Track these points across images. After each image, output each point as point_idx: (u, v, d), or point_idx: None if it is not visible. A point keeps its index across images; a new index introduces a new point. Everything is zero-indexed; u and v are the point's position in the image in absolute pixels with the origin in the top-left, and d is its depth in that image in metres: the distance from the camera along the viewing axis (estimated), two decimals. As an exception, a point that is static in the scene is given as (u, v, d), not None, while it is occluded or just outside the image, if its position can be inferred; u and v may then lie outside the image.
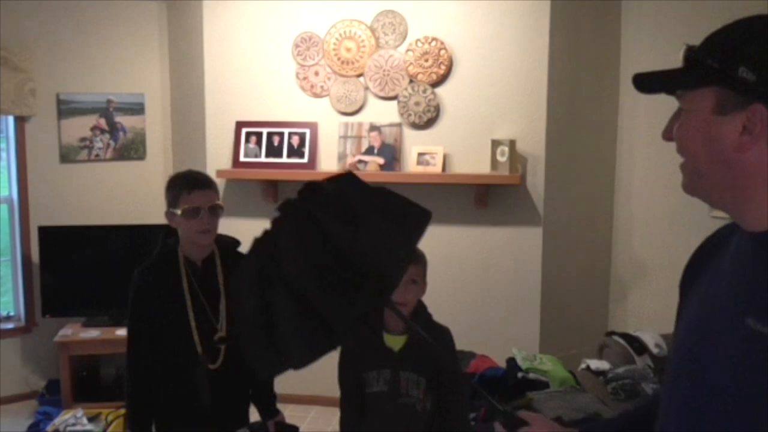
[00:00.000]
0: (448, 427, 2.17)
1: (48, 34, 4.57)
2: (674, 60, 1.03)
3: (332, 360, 2.07)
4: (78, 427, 3.63)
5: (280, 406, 2.59)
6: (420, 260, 2.19)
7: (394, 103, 4.27)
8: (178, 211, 2.28)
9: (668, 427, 1.05)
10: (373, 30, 4.27)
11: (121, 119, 4.84)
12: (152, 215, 4.14)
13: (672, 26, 3.92)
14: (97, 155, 4.79)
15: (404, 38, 4.23)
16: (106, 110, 4.79)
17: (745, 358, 0.91)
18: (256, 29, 4.41)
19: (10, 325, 4.61)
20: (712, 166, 0.98)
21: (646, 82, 1.04)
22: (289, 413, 2.81)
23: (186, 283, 2.33)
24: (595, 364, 3.44)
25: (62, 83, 4.63)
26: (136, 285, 2.36)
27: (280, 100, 4.42)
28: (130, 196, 4.83)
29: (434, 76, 4.18)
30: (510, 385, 3.13)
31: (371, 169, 4.25)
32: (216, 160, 4.48)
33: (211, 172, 4.01)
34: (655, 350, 3.43)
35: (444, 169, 4.18)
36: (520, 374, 3.23)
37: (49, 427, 3.71)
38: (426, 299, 2.26)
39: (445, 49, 4.15)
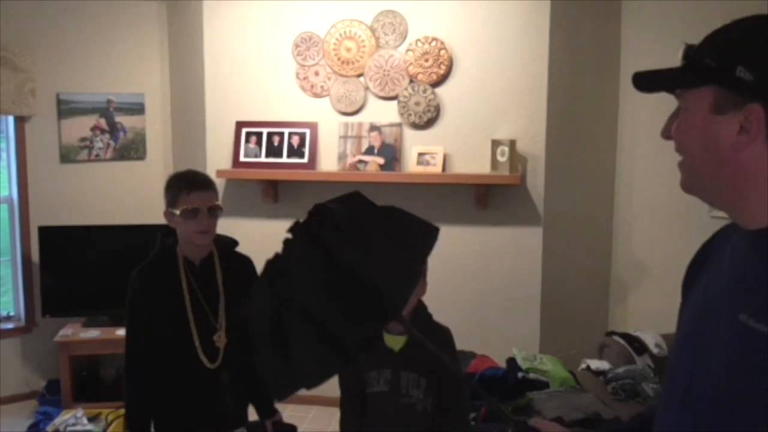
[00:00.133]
0: (449, 428, 2.17)
1: (48, 34, 4.57)
2: (674, 60, 1.03)
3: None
4: (78, 427, 3.62)
5: (280, 406, 2.59)
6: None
7: (394, 103, 4.26)
8: (177, 212, 2.28)
9: (667, 422, 1.05)
10: (373, 30, 4.26)
11: (121, 119, 4.84)
12: (152, 215, 4.11)
13: (672, 26, 3.92)
14: (97, 155, 4.79)
15: (404, 38, 4.23)
16: (106, 110, 4.78)
17: (738, 354, 0.92)
18: (256, 29, 4.41)
19: (10, 325, 4.61)
20: (709, 165, 0.99)
21: (645, 81, 1.05)
22: (289, 413, 2.81)
23: (185, 283, 2.33)
24: (595, 364, 3.44)
25: (62, 83, 4.63)
26: (134, 285, 2.35)
27: (280, 100, 4.42)
28: (130, 196, 4.83)
29: (434, 76, 4.17)
30: (510, 385, 3.13)
31: (371, 169, 4.25)
32: (216, 160, 4.47)
33: (211, 172, 4.00)
34: (655, 350, 3.43)
35: (444, 169, 4.18)
36: (520, 374, 3.23)
37: (49, 427, 3.71)
38: (426, 299, 2.25)
39: (445, 49, 4.15)
